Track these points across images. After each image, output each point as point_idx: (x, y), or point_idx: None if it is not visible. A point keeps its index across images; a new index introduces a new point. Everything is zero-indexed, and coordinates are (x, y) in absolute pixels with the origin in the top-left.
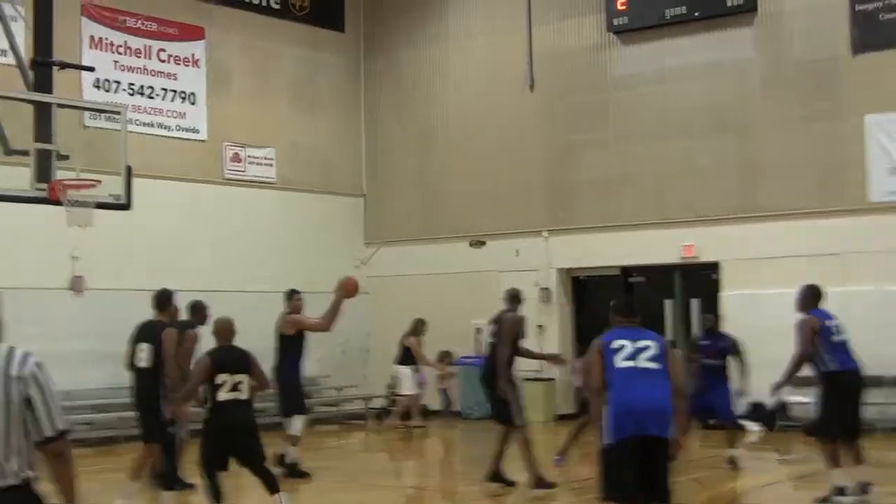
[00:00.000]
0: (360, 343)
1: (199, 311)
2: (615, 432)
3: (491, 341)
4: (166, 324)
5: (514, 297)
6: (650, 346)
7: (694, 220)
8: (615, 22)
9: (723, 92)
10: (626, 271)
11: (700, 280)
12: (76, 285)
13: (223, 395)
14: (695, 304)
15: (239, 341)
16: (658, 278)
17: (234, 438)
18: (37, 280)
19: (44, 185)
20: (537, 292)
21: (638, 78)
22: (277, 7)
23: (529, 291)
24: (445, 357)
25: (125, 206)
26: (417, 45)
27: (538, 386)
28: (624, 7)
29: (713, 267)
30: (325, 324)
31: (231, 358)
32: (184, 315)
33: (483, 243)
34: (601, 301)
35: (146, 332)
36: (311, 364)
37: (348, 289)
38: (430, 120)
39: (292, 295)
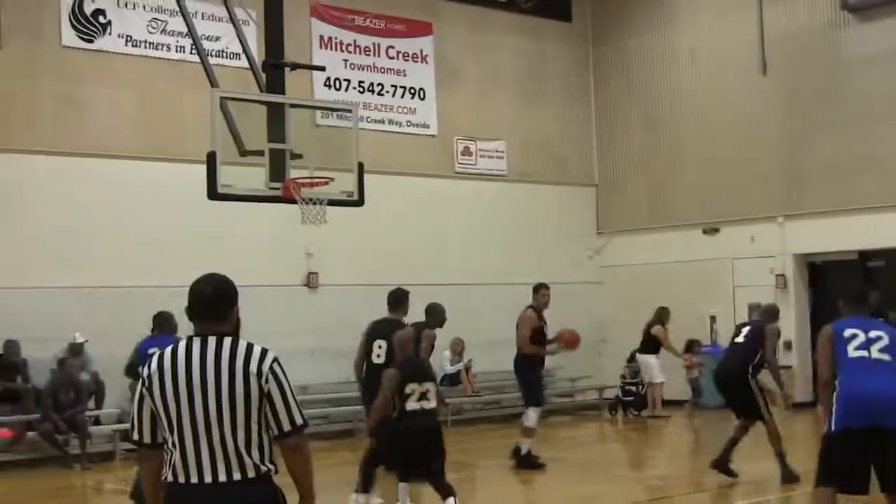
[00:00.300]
0: (594, 333)
1: (434, 314)
2: (844, 420)
3: (740, 341)
4: (403, 323)
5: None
6: (883, 336)
7: None
8: (850, 0)
9: None
10: (865, 255)
11: None
12: (311, 281)
13: (412, 405)
14: None
15: (474, 333)
16: None
17: (421, 446)
18: (273, 277)
19: (278, 184)
20: (773, 279)
21: (875, 56)
22: (503, 0)
23: (765, 278)
24: (693, 346)
25: (358, 203)
26: (645, 31)
27: None
28: None
29: None
30: (525, 348)
31: (418, 368)
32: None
33: (717, 230)
34: (839, 287)
35: (383, 330)
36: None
37: (569, 343)
38: (660, 107)
39: (539, 289)
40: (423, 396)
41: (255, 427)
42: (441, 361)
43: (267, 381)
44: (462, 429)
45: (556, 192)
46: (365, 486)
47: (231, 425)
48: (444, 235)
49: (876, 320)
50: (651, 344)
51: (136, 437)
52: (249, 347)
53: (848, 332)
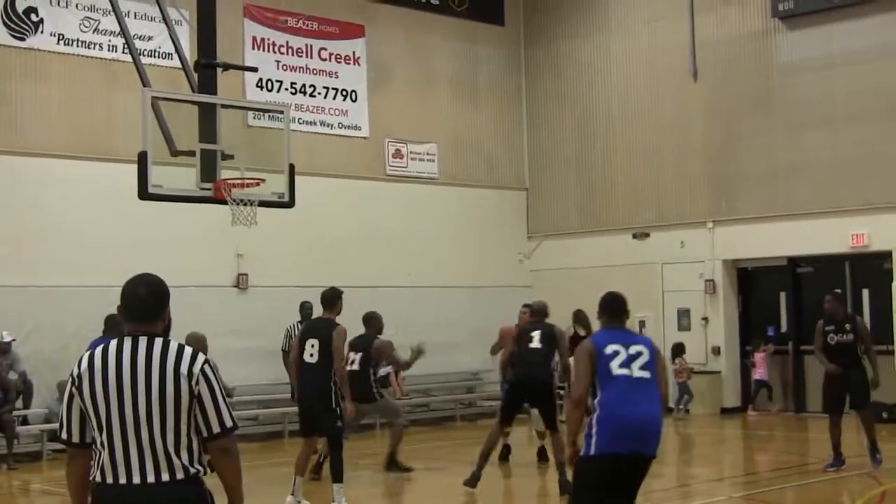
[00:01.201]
0: None
1: (374, 322)
2: (605, 444)
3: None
4: (336, 322)
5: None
6: (643, 352)
7: (865, 208)
8: (780, 7)
9: None
10: (794, 262)
11: (871, 270)
12: (241, 283)
13: None
14: (866, 294)
15: (403, 336)
16: (827, 268)
17: None
18: (203, 278)
19: (209, 185)
20: (702, 284)
21: (805, 64)
22: (437, 3)
23: (694, 283)
24: (680, 350)
25: (289, 204)
26: (578, 35)
27: (703, 379)
28: None
29: (886, 256)
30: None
31: None
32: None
33: (647, 235)
34: (768, 292)
35: (318, 329)
36: (475, 359)
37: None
38: (591, 111)
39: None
40: None
41: (184, 428)
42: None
43: (197, 382)
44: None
45: (488, 196)
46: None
47: (160, 426)
48: (375, 238)
49: (632, 333)
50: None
51: (64, 435)
52: (180, 349)
53: (609, 349)
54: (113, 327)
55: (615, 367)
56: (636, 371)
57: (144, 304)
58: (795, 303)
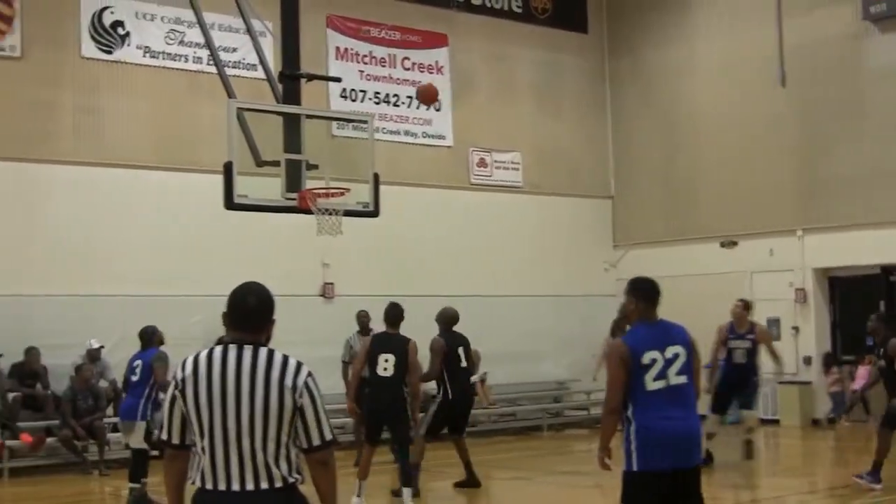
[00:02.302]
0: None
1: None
2: (645, 462)
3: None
4: (407, 337)
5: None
6: (679, 354)
7: None
8: (872, 9)
9: None
10: (887, 270)
11: None
12: (326, 292)
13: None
14: None
15: (489, 345)
16: None
17: None
18: (289, 287)
19: (294, 195)
20: (792, 292)
21: None
22: (519, 11)
23: (784, 292)
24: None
25: (373, 214)
26: (663, 42)
27: (793, 389)
28: None
29: None
30: None
31: None
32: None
33: (735, 243)
34: (860, 301)
35: (391, 345)
36: (561, 368)
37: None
38: (677, 118)
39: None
40: None
41: (284, 439)
42: None
43: (301, 395)
44: (476, 440)
45: (572, 204)
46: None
47: (262, 436)
48: (460, 247)
49: (668, 326)
50: None
51: (164, 436)
52: (285, 360)
53: (647, 358)
54: (148, 341)
55: (650, 382)
56: (672, 378)
57: (252, 314)
58: (890, 312)
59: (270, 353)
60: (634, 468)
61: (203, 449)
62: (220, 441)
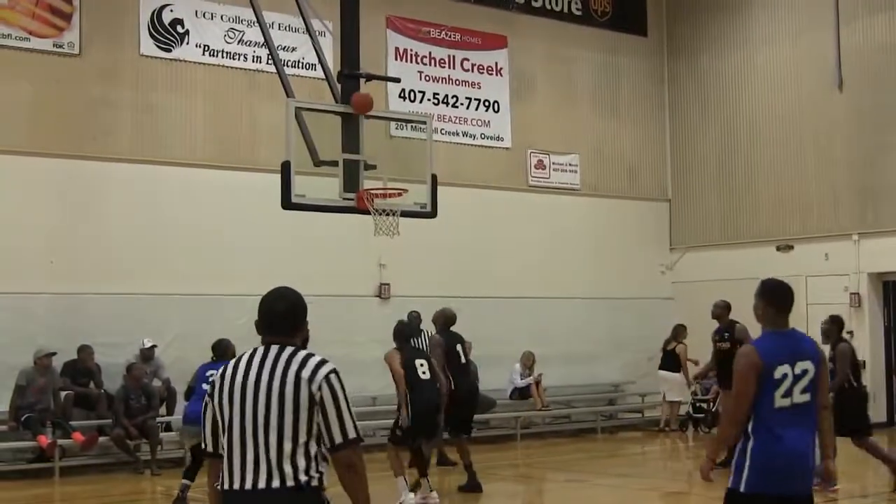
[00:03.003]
0: (659, 351)
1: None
2: (756, 483)
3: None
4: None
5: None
6: (808, 370)
7: None
8: None
9: None
10: None
11: None
12: (383, 293)
13: None
14: None
15: (545, 347)
16: None
17: None
18: (345, 288)
19: (352, 195)
20: (847, 297)
21: None
22: (579, 13)
23: (839, 296)
24: None
25: (431, 215)
26: (721, 46)
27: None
28: None
29: None
30: None
31: None
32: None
33: (790, 247)
34: None
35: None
36: (616, 370)
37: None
38: (734, 121)
39: None
40: None
41: (303, 436)
42: (511, 375)
43: (320, 388)
44: (531, 442)
45: (630, 207)
46: None
47: (277, 432)
48: (516, 248)
49: (799, 338)
50: (670, 361)
51: (203, 445)
52: (307, 357)
53: (778, 373)
54: (222, 353)
55: (778, 398)
56: (797, 396)
57: (281, 320)
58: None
59: (294, 351)
60: (742, 489)
61: (223, 447)
62: (238, 438)
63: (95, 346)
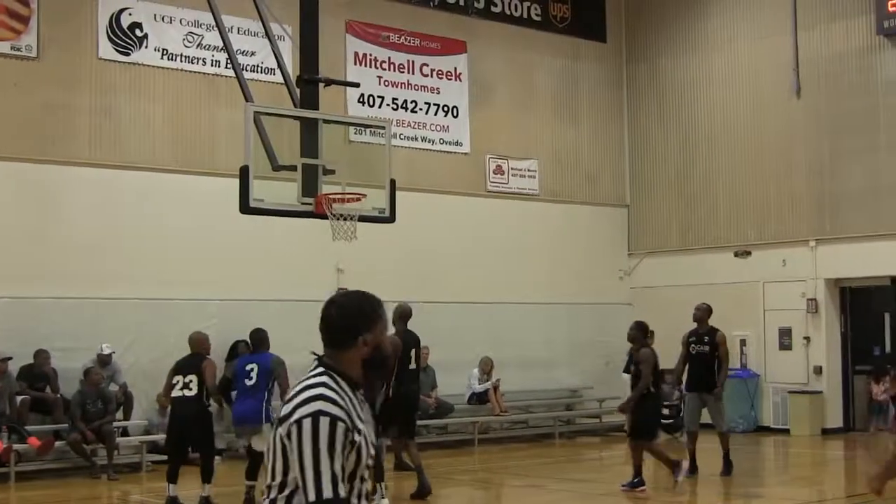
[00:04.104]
0: (624, 355)
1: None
2: None
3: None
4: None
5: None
6: None
7: None
8: (885, 24)
9: None
10: None
11: None
12: None
13: None
14: None
15: (503, 352)
16: None
17: None
18: (303, 292)
19: (310, 200)
20: (804, 303)
21: None
22: (538, 19)
23: (796, 302)
24: None
25: (389, 220)
26: (680, 52)
27: (804, 399)
28: None
29: None
30: None
31: None
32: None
33: (748, 253)
34: (870, 312)
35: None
36: (574, 376)
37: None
38: (693, 128)
39: None
40: None
41: (289, 486)
42: (469, 380)
43: (288, 432)
44: (489, 447)
45: (588, 212)
46: None
47: (270, 475)
48: (475, 253)
49: None
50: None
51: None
52: (302, 389)
53: None
54: (259, 343)
55: None
56: None
57: (332, 328)
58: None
59: (310, 377)
60: None
61: None
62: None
63: (52, 350)
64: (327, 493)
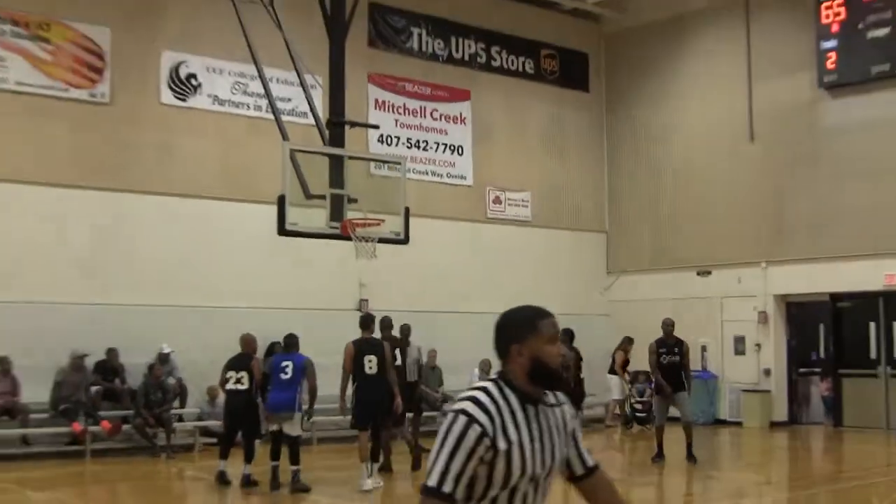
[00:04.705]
0: (602, 358)
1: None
2: None
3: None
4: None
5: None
6: None
7: None
8: (825, 79)
9: None
10: (835, 297)
11: None
12: (362, 307)
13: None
14: None
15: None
16: (863, 304)
17: None
18: (330, 303)
19: (337, 224)
20: (756, 315)
21: (847, 127)
22: (531, 72)
23: (749, 314)
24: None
25: (404, 242)
26: (651, 101)
27: (755, 396)
28: (833, 66)
29: None
30: None
31: None
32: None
33: (709, 273)
34: (810, 323)
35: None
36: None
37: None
38: (662, 165)
39: None
40: None
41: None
42: (471, 378)
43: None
44: None
45: (573, 237)
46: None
47: None
48: (476, 271)
49: None
50: (621, 366)
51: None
52: (467, 390)
53: None
54: (291, 345)
55: None
56: None
57: (494, 338)
58: (836, 333)
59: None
60: None
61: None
62: None
63: (121, 349)
64: (432, 482)
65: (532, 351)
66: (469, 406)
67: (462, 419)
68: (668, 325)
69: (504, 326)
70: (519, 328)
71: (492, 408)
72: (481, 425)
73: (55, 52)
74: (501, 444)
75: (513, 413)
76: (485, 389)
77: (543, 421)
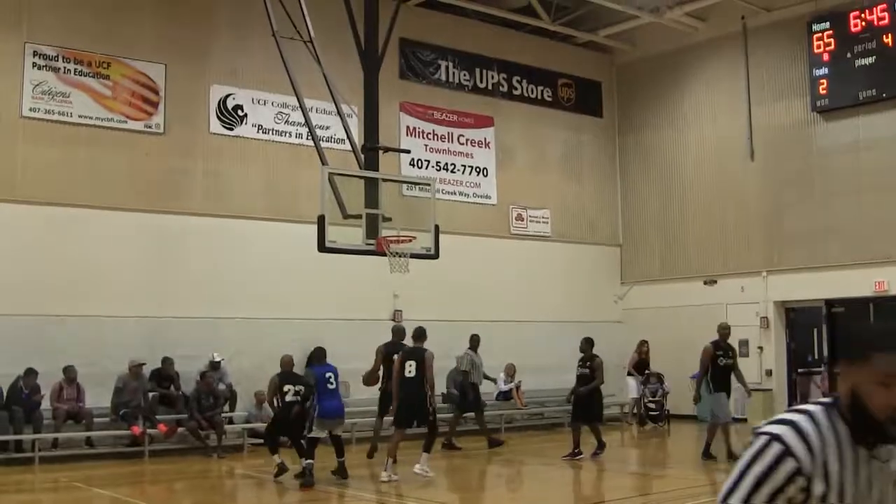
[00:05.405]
0: (617, 361)
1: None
2: None
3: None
4: (426, 349)
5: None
6: None
7: (886, 261)
8: (818, 103)
9: None
10: (829, 303)
11: (891, 310)
12: (396, 317)
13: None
14: None
15: (523, 359)
16: (855, 309)
17: None
18: (367, 313)
19: (372, 241)
20: (758, 320)
21: (838, 147)
22: (550, 100)
23: (752, 320)
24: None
25: (434, 257)
26: (660, 125)
27: (758, 395)
28: (825, 91)
29: None
30: None
31: None
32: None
33: (715, 281)
34: (807, 327)
35: (414, 354)
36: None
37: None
38: (671, 184)
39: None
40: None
41: None
42: (497, 381)
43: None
44: (513, 434)
45: (589, 250)
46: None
47: None
48: (500, 283)
49: None
50: (634, 367)
51: None
52: (789, 410)
53: None
54: (321, 357)
55: None
56: None
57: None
58: (830, 335)
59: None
60: None
61: None
62: None
63: (175, 357)
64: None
65: (852, 381)
66: (787, 433)
67: (776, 448)
68: (725, 330)
69: (840, 340)
70: (851, 350)
71: (813, 439)
72: (796, 459)
73: (114, 87)
74: (818, 488)
75: (840, 451)
76: (809, 414)
77: (877, 471)
